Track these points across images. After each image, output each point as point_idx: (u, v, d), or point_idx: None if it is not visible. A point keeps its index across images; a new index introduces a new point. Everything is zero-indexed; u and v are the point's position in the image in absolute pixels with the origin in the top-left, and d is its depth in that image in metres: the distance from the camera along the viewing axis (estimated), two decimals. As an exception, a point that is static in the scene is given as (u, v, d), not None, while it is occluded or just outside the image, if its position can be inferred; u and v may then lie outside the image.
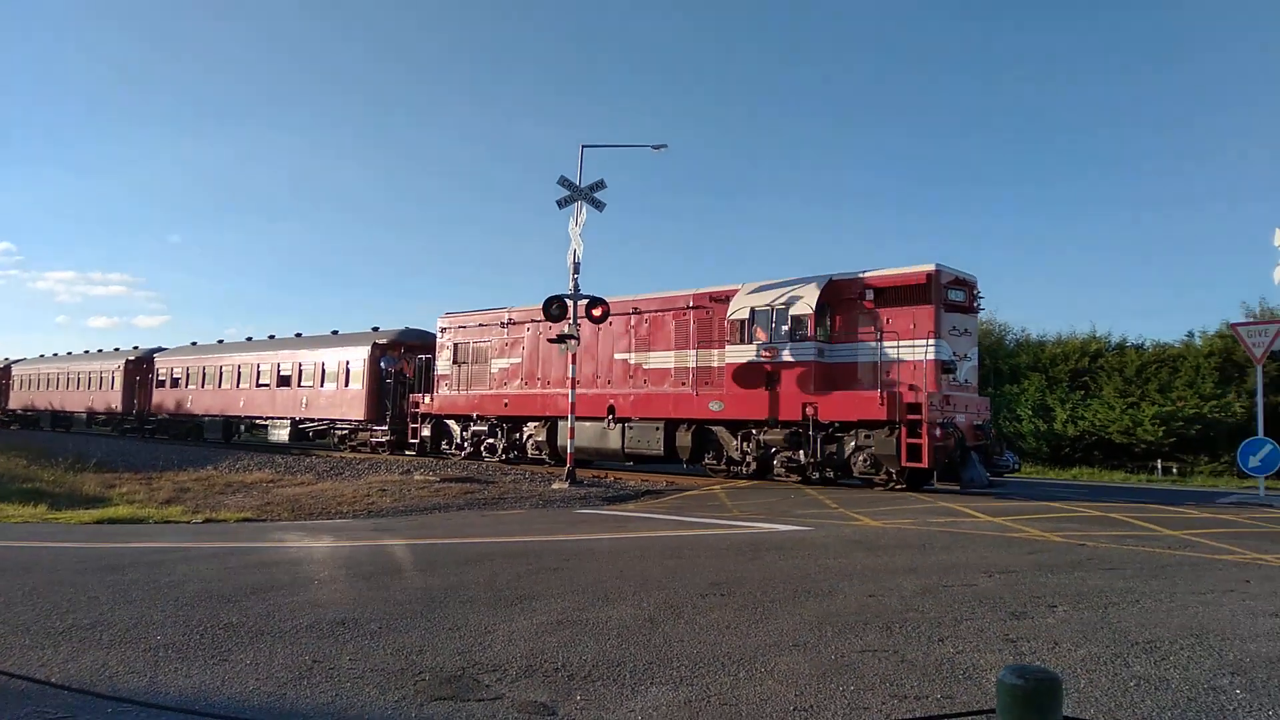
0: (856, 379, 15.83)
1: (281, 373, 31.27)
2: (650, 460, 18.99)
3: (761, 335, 16.71)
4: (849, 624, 5.97)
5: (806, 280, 16.77)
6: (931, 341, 15.15)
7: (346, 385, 27.77)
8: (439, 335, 24.32)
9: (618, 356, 19.66)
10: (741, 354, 16.99)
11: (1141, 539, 9.86)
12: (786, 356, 16.37)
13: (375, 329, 28.92)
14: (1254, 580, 7.57)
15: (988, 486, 15.21)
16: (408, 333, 28.11)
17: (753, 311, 16.88)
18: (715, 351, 17.75)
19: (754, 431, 17.08)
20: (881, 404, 15.08)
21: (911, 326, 15.30)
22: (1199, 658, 5.25)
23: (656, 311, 19.14)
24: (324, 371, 28.96)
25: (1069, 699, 4.49)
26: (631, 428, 18.66)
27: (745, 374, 16.89)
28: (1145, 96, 73.36)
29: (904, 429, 14.80)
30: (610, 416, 18.99)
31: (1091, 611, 6.40)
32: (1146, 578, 7.67)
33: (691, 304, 18.55)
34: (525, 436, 21.41)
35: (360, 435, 27.54)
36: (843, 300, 16.40)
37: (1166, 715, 4.39)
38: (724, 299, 17.77)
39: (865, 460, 15.79)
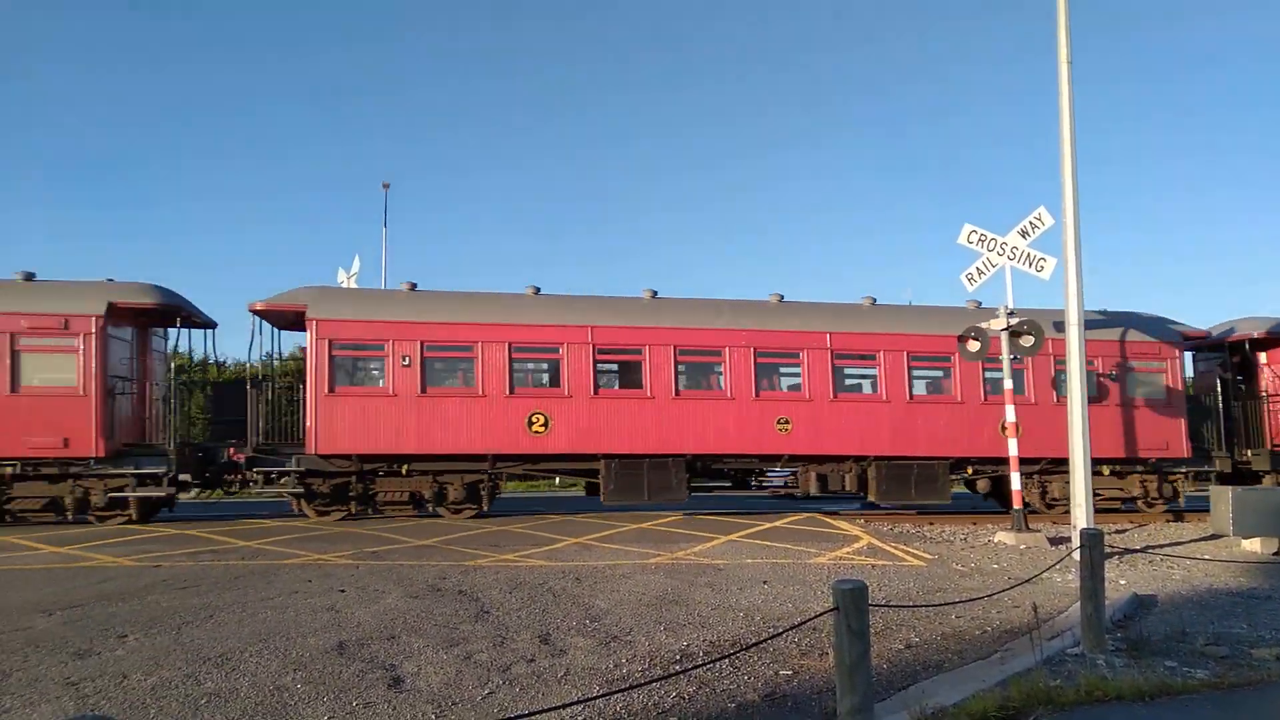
0: None
1: None
2: None
3: None
4: None
5: None
6: None
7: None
8: None
9: None
10: None
11: (218, 553, 10.06)
12: None
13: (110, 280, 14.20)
14: (314, 579, 8.44)
15: None
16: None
17: None
18: None
19: None
20: None
21: None
22: (266, 661, 5.56)
23: None
24: None
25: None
26: None
27: None
28: None
29: None
30: None
31: (164, 635, 6.21)
32: (220, 591, 7.84)
33: None
34: None
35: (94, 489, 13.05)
36: None
37: (235, 726, 4.50)
38: None
39: None
